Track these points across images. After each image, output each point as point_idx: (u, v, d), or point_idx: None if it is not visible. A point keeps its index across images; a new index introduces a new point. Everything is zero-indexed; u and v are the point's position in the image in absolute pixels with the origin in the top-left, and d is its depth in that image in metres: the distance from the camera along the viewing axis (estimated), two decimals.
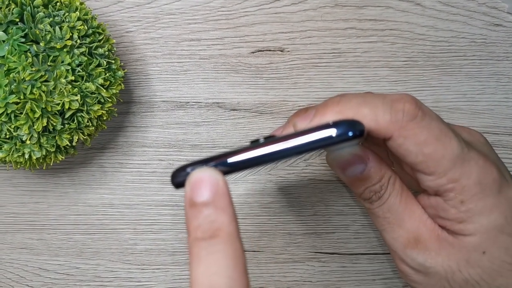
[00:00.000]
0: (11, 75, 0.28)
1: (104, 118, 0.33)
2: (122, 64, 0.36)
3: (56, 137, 0.31)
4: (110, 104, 0.32)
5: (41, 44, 0.29)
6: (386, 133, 0.24)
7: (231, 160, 0.21)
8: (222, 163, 0.21)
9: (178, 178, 0.21)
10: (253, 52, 0.38)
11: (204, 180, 0.19)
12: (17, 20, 0.29)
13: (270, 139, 0.22)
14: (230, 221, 0.19)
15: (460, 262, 0.26)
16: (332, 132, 0.21)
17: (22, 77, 0.28)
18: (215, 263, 0.18)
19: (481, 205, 0.25)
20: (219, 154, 0.21)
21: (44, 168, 0.33)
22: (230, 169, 0.21)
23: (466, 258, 0.26)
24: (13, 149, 0.30)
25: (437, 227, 0.27)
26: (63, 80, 0.30)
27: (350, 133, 0.21)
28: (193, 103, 0.38)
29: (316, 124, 0.22)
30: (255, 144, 0.22)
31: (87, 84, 0.31)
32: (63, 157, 0.32)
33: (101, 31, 0.32)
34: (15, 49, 0.29)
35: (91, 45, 0.31)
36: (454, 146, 0.25)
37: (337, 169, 0.27)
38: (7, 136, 0.30)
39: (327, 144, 0.21)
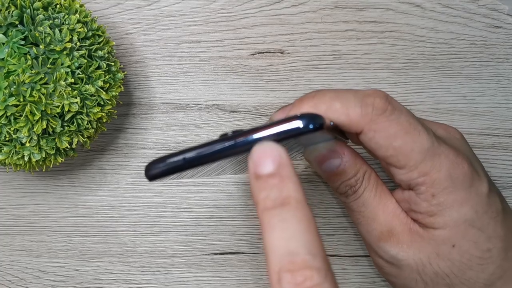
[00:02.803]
0: (10, 78, 0.28)
1: (104, 120, 0.33)
2: (122, 66, 0.36)
3: (56, 140, 0.31)
4: (109, 106, 0.32)
5: (40, 46, 0.29)
6: (357, 126, 0.25)
7: (203, 151, 0.22)
8: (196, 155, 0.22)
9: (153, 171, 0.23)
10: (253, 54, 0.38)
11: (267, 153, 0.20)
12: (17, 22, 0.29)
13: (238, 132, 0.22)
14: (297, 188, 0.19)
15: (431, 255, 0.26)
16: (292, 124, 0.21)
17: (21, 80, 0.28)
18: (290, 228, 0.18)
19: (451, 199, 0.26)
20: (190, 147, 0.22)
21: (44, 170, 0.33)
22: (204, 160, 0.22)
23: (436, 251, 0.26)
24: (12, 152, 0.30)
25: (410, 221, 0.27)
26: (62, 83, 0.30)
27: (311, 126, 0.21)
28: (193, 105, 0.38)
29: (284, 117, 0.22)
30: (223, 137, 0.22)
31: (87, 86, 0.31)
32: (63, 159, 0.32)
33: (101, 33, 0.32)
34: (15, 52, 0.29)
35: (90, 48, 0.31)
36: (424, 140, 0.25)
37: (314, 164, 0.28)
38: (7, 139, 0.30)
39: (291, 135, 0.21)
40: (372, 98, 0.25)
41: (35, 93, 0.29)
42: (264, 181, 0.20)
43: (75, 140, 0.32)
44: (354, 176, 0.27)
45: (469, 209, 0.26)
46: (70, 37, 0.30)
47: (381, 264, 0.29)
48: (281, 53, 0.38)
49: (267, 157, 0.20)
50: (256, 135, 0.21)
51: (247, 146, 0.21)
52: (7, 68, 0.28)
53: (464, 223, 0.26)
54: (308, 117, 0.21)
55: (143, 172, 0.23)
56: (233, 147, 0.21)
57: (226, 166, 0.28)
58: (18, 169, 0.32)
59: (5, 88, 0.28)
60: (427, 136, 0.25)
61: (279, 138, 0.21)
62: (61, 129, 0.31)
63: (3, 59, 0.29)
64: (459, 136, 0.30)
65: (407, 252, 0.27)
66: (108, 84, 0.32)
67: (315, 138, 0.26)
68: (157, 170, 0.23)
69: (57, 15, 0.30)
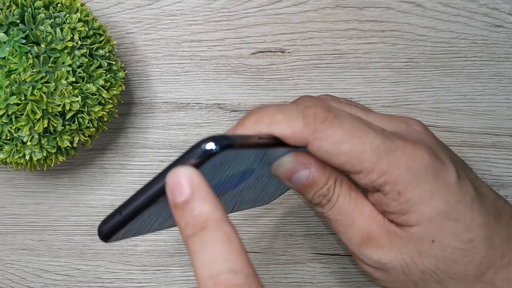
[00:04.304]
0: (12, 77, 0.28)
1: (105, 119, 0.34)
2: (123, 65, 0.36)
3: (57, 138, 0.31)
4: (111, 105, 0.32)
5: (42, 45, 0.29)
6: (301, 137, 0.24)
7: (135, 199, 0.22)
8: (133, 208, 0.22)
9: (103, 231, 0.23)
10: (254, 53, 0.38)
11: (178, 180, 0.20)
12: (18, 21, 0.29)
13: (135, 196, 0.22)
14: (213, 209, 0.19)
15: (413, 254, 0.26)
16: (196, 151, 0.21)
17: (23, 79, 0.28)
18: (211, 251, 0.19)
19: (418, 193, 0.25)
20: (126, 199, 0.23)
21: (45, 169, 0.33)
22: (139, 206, 0.22)
23: (417, 249, 0.26)
24: (14, 150, 0.30)
25: (387, 222, 0.27)
26: (64, 82, 0.30)
27: (215, 147, 0.21)
28: (194, 104, 0.38)
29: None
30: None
31: (88, 85, 0.31)
32: (64, 158, 0.32)
33: (102, 32, 0.32)
34: (16, 51, 0.29)
35: (92, 47, 0.31)
36: (371, 139, 0.25)
37: (283, 180, 0.27)
38: (8, 138, 0.30)
39: (202, 160, 0.21)
40: (313, 109, 0.25)
41: (36, 92, 0.29)
42: (181, 209, 0.20)
43: (76, 139, 0.32)
44: (325, 184, 0.27)
45: (440, 201, 0.25)
46: (71, 36, 0.30)
47: (368, 270, 0.28)
48: (282, 52, 0.38)
49: (179, 184, 0.20)
50: (169, 171, 0.21)
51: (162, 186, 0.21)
52: (8, 67, 0.28)
53: (438, 216, 0.25)
54: (213, 139, 0.21)
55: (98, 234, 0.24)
56: (151, 187, 0.22)
57: None
58: (19, 168, 0.32)
59: (7, 87, 0.28)
60: (375, 135, 0.25)
61: (194, 164, 0.21)
62: (62, 128, 0.31)
63: (4, 58, 0.29)
64: (419, 127, 0.29)
65: (389, 254, 0.26)
66: (109, 83, 0.32)
67: (272, 154, 0.26)
68: (106, 230, 0.23)
69: (58, 14, 0.30)
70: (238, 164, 0.24)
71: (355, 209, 0.27)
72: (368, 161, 0.25)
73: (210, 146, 0.21)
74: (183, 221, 0.20)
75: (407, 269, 0.27)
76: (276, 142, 0.25)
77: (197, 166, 0.21)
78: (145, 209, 0.22)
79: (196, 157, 0.21)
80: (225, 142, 0.21)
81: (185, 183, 0.20)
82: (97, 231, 0.24)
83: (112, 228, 0.23)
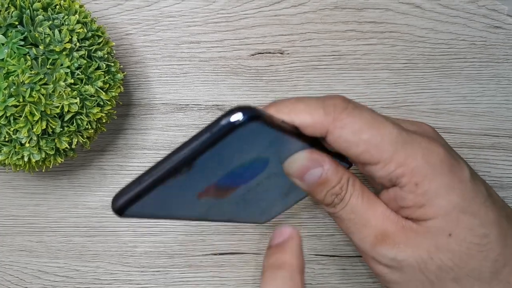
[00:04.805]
0: (10, 78, 0.28)
1: (104, 121, 0.33)
2: (121, 66, 0.36)
3: (56, 140, 0.31)
4: (109, 107, 0.32)
5: (40, 47, 0.29)
6: (321, 126, 0.25)
7: (156, 165, 0.22)
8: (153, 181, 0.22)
9: (118, 202, 0.22)
10: (252, 55, 0.38)
11: (282, 232, 0.26)
12: (17, 23, 0.29)
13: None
14: (294, 257, 0.25)
15: (430, 248, 0.26)
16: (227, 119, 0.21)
17: (21, 80, 0.28)
18: (277, 285, 0.24)
19: (435, 186, 0.25)
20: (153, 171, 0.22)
21: (43, 170, 0.33)
22: (157, 174, 0.21)
23: (434, 243, 0.26)
24: (12, 152, 0.30)
25: (402, 219, 0.27)
26: (62, 83, 0.30)
27: (241, 116, 0.20)
28: (193, 106, 0.38)
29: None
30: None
31: (87, 87, 0.31)
32: (63, 160, 0.32)
33: (100, 34, 0.32)
34: (14, 52, 0.29)
35: (90, 48, 0.31)
36: (390, 130, 0.25)
37: (296, 179, 0.27)
38: (7, 139, 0.30)
39: (226, 131, 0.21)
40: (333, 100, 0.25)
41: (35, 94, 0.29)
42: (272, 251, 0.25)
43: (74, 141, 0.32)
44: (338, 183, 0.27)
45: (456, 195, 0.25)
46: (70, 37, 0.30)
47: (382, 272, 0.28)
48: (281, 53, 0.38)
49: (281, 235, 0.26)
50: (200, 139, 0.21)
51: (201, 147, 0.21)
52: (6, 68, 0.28)
53: (455, 210, 0.25)
54: (241, 109, 0.21)
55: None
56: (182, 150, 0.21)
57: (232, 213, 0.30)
58: (17, 169, 0.32)
59: (5, 89, 0.28)
60: (393, 126, 0.25)
61: (220, 135, 0.21)
62: (61, 129, 0.31)
63: (2, 59, 0.29)
64: (431, 131, 0.29)
65: (406, 251, 0.26)
66: (107, 85, 0.32)
67: (286, 150, 0.26)
68: (121, 201, 0.22)
69: (56, 15, 0.30)
70: (255, 147, 0.24)
71: (368, 208, 0.27)
72: (387, 151, 0.25)
73: (237, 116, 0.20)
74: (269, 259, 0.25)
75: (424, 266, 0.26)
76: (296, 132, 0.25)
77: (223, 136, 0.21)
78: (165, 179, 0.21)
79: (221, 126, 0.20)
80: (254, 113, 0.21)
81: (284, 235, 0.26)
82: (110, 205, 0.22)
83: (128, 199, 0.22)
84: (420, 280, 0.27)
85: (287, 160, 0.26)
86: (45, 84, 0.29)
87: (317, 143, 0.27)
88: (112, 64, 0.33)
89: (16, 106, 0.29)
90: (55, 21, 0.30)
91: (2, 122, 0.29)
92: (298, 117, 0.25)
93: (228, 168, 0.24)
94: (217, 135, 0.21)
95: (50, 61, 0.29)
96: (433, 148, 0.26)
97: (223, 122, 0.20)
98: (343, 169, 0.27)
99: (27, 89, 0.29)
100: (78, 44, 0.30)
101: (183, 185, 0.22)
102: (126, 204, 0.22)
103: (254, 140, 0.23)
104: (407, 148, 0.25)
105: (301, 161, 0.26)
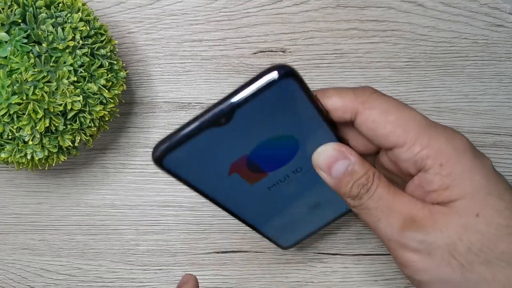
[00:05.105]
0: (13, 76, 0.28)
1: (106, 119, 0.34)
2: (124, 65, 0.36)
3: (58, 138, 0.31)
4: (112, 105, 0.33)
5: (43, 45, 0.29)
6: (352, 108, 0.26)
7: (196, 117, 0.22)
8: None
9: (159, 149, 0.23)
10: (255, 53, 0.38)
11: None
12: (20, 21, 0.29)
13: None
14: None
15: (458, 229, 0.26)
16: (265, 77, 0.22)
17: (24, 78, 0.28)
18: None
19: (460, 169, 0.26)
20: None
21: (46, 168, 0.33)
22: (196, 124, 0.22)
23: (462, 224, 0.26)
24: (15, 150, 0.30)
25: (428, 204, 0.27)
26: (65, 81, 0.30)
27: (281, 72, 0.22)
28: (195, 104, 0.38)
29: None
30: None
31: (89, 85, 0.31)
32: (65, 158, 0.32)
33: (103, 32, 0.32)
34: (18, 50, 0.29)
35: (93, 46, 0.31)
36: (414, 113, 0.27)
37: (323, 170, 0.28)
38: (10, 137, 0.30)
39: (267, 85, 0.22)
40: (362, 88, 0.27)
41: (38, 92, 0.29)
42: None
43: (77, 139, 0.32)
44: (365, 174, 0.27)
45: (481, 177, 0.26)
46: (73, 35, 0.30)
47: (410, 260, 0.27)
48: (283, 52, 0.38)
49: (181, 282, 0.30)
50: (241, 91, 0.22)
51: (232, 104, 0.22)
52: (10, 66, 0.28)
53: (481, 191, 0.26)
54: (281, 66, 0.22)
55: (151, 158, 0.23)
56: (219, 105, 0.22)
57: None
58: (20, 167, 0.32)
59: (8, 87, 0.28)
60: (417, 112, 0.27)
61: (260, 87, 0.22)
62: (64, 127, 0.31)
63: (6, 57, 0.29)
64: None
65: (434, 233, 0.26)
66: (110, 83, 0.32)
67: (314, 129, 0.27)
68: (159, 150, 0.23)
69: (59, 13, 0.30)
70: (287, 115, 0.24)
71: (394, 197, 0.27)
72: (412, 132, 0.26)
73: (277, 72, 0.22)
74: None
75: (453, 247, 0.26)
76: (325, 117, 0.26)
77: (263, 89, 0.22)
78: (204, 128, 0.22)
79: (264, 79, 0.22)
80: (293, 71, 0.22)
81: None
82: (151, 155, 0.23)
83: (169, 145, 0.23)
84: (450, 265, 0.26)
85: (316, 151, 0.27)
86: (48, 82, 0.29)
87: (342, 139, 0.28)
88: (115, 62, 0.33)
89: (19, 104, 0.29)
90: (58, 19, 0.30)
91: (5, 120, 0.29)
92: (329, 100, 0.26)
93: (261, 136, 0.25)
94: (258, 86, 0.22)
95: (53, 59, 0.29)
96: (457, 135, 0.27)
97: (266, 75, 0.22)
98: (368, 163, 0.28)
99: (30, 87, 0.29)
100: (81, 42, 0.30)
101: (219, 142, 0.23)
102: (166, 150, 0.23)
103: (288, 105, 0.24)
104: (431, 131, 0.26)
105: (329, 151, 0.27)
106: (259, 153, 0.26)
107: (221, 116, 0.22)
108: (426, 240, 0.26)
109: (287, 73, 0.22)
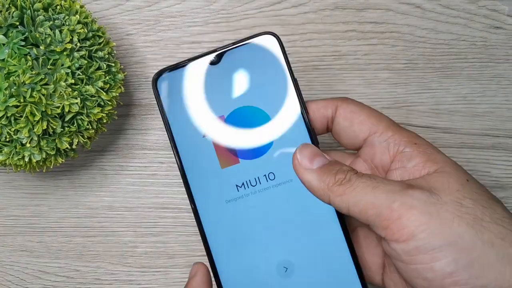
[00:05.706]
0: (11, 78, 0.28)
1: (104, 121, 0.34)
2: (122, 67, 0.36)
3: (56, 140, 0.31)
4: (110, 107, 0.32)
5: (41, 47, 0.29)
6: (333, 105, 0.30)
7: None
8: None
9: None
10: None
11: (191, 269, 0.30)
12: (17, 23, 0.29)
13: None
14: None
15: (458, 187, 0.25)
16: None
17: (22, 80, 0.28)
18: None
19: (431, 146, 0.28)
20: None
21: (44, 171, 0.33)
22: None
23: (460, 182, 0.25)
24: (13, 152, 0.30)
25: (419, 178, 0.27)
26: (63, 83, 0.30)
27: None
28: None
29: None
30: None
31: (87, 87, 0.31)
32: (63, 160, 0.32)
33: (101, 34, 0.32)
34: (15, 52, 0.29)
35: (91, 48, 0.31)
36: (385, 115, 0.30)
37: (306, 160, 0.27)
38: (7, 139, 0.30)
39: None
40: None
41: (36, 94, 0.29)
42: None
43: (75, 141, 0.32)
44: (347, 166, 0.27)
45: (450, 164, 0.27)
46: (71, 38, 0.30)
47: (418, 221, 0.23)
48: None
49: (190, 272, 0.30)
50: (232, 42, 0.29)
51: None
52: (7, 69, 0.28)
53: (453, 164, 0.27)
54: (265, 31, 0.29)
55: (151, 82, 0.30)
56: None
57: None
58: (18, 169, 0.32)
59: (6, 89, 0.28)
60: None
61: (245, 38, 0.30)
62: (62, 129, 0.31)
63: (3, 60, 0.29)
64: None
65: (438, 192, 0.25)
66: (108, 85, 0.32)
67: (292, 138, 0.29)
68: (160, 70, 0.29)
69: (57, 16, 0.30)
70: (266, 76, 0.29)
71: (384, 175, 0.29)
72: (385, 122, 0.29)
73: (260, 33, 0.30)
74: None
75: (462, 188, 0.25)
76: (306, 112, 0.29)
77: (248, 39, 0.29)
78: (199, 57, 0.29)
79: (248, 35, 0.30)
80: (273, 33, 0.29)
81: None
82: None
83: (165, 67, 0.29)
84: (465, 221, 0.23)
85: (299, 146, 0.28)
86: (46, 84, 0.29)
87: (317, 143, 0.29)
88: (113, 64, 0.33)
89: (17, 107, 0.29)
90: (56, 21, 0.30)
91: (3, 122, 0.29)
92: (314, 102, 0.30)
93: (240, 101, 0.29)
94: (245, 38, 0.29)
95: (51, 61, 0.29)
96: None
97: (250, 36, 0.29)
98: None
99: (28, 89, 0.29)
100: (78, 44, 0.30)
101: (207, 84, 0.29)
102: (164, 69, 0.29)
103: (268, 61, 0.29)
104: (399, 126, 0.29)
105: (311, 147, 0.28)
106: (235, 120, 0.29)
107: (212, 52, 0.29)
108: (432, 197, 0.24)
109: (270, 32, 0.29)
